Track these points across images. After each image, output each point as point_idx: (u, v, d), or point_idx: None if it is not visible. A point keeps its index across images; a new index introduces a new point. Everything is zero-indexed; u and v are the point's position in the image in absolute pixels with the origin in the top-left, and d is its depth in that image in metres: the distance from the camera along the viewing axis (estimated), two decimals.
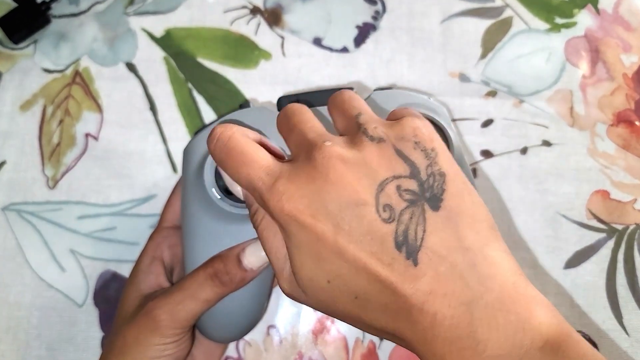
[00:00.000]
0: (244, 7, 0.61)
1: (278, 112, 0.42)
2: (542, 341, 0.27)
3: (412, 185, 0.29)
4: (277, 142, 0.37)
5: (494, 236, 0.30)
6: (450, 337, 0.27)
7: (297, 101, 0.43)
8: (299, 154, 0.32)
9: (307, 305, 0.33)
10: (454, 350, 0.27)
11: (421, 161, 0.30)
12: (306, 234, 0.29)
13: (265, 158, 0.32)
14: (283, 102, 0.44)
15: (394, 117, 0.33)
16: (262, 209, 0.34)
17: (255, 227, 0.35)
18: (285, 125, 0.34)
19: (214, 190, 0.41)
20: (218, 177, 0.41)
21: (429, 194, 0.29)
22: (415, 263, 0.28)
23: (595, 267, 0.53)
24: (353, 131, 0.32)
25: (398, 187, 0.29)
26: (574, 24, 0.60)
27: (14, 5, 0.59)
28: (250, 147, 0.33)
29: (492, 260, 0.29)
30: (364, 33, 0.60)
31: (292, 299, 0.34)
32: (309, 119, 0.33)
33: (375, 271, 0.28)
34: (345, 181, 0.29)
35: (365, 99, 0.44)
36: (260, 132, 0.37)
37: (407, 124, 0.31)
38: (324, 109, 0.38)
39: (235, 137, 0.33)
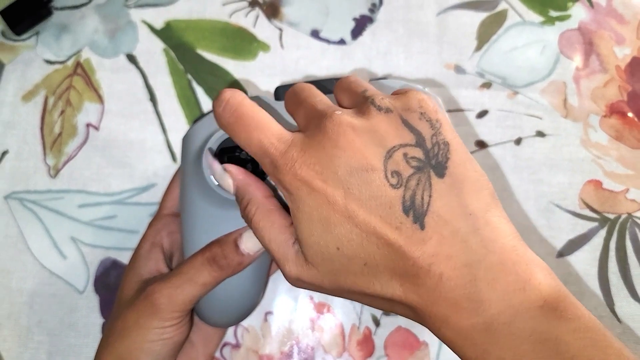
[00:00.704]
0: None
1: (274, 101, 0.43)
2: (542, 300, 0.28)
3: (418, 153, 0.31)
4: None
5: (495, 203, 0.31)
6: (454, 297, 0.29)
7: None
8: (309, 124, 0.33)
9: (313, 288, 0.34)
10: (458, 310, 0.29)
11: (427, 131, 0.31)
12: (317, 199, 0.31)
13: (277, 125, 0.33)
14: (280, 91, 0.44)
15: (398, 94, 0.34)
16: (254, 201, 0.35)
17: (249, 220, 0.36)
18: (294, 101, 0.35)
19: (212, 177, 0.41)
20: None
21: (434, 162, 0.31)
22: (422, 227, 0.29)
23: (588, 256, 0.53)
24: (361, 103, 0.33)
25: (405, 155, 0.30)
26: (568, 16, 0.61)
27: None
28: (261, 114, 0.34)
29: (494, 225, 0.30)
30: (361, 25, 0.61)
31: (299, 285, 0.34)
32: (317, 94, 0.35)
33: (385, 234, 0.30)
34: (355, 148, 0.30)
35: None
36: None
37: (412, 96, 0.33)
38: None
39: (246, 103, 0.34)
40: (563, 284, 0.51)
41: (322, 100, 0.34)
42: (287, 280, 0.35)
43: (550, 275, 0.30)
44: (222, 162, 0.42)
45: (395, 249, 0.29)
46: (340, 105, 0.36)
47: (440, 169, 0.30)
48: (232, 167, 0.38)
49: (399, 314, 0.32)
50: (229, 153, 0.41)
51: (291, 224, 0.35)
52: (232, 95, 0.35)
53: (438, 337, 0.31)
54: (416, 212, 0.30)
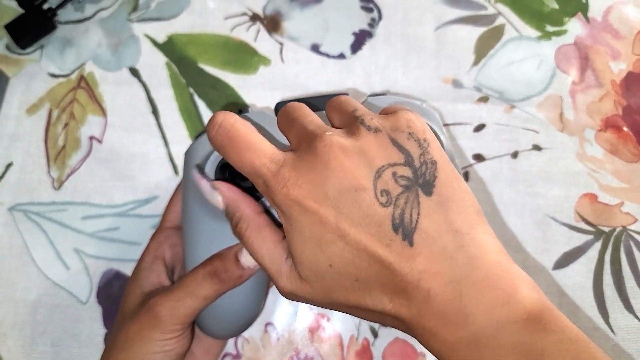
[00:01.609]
0: (244, 14, 0.62)
1: (276, 117, 0.43)
2: (525, 314, 0.29)
3: (406, 172, 0.31)
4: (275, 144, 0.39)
5: (481, 220, 0.32)
6: (442, 312, 0.30)
7: None
8: (300, 144, 0.34)
9: (307, 302, 0.35)
10: (446, 323, 0.30)
11: (415, 150, 0.32)
12: (309, 218, 0.31)
13: (269, 146, 0.34)
14: (280, 107, 0.45)
15: (387, 113, 0.35)
16: (244, 218, 0.36)
17: (241, 237, 0.37)
18: (286, 120, 0.36)
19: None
20: (218, 179, 0.42)
21: (422, 180, 0.31)
22: (411, 244, 0.30)
23: (583, 268, 0.54)
24: (350, 123, 0.34)
25: (394, 174, 0.31)
26: (565, 32, 0.62)
27: (21, 11, 0.60)
28: (254, 135, 0.35)
29: (479, 242, 0.31)
30: (360, 40, 0.62)
31: (293, 299, 0.35)
32: (308, 114, 0.35)
33: (375, 251, 0.30)
34: (346, 168, 0.31)
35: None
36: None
37: (401, 116, 0.33)
38: (320, 114, 0.40)
39: (239, 125, 0.35)
40: (558, 296, 0.52)
41: (313, 120, 0.35)
42: (281, 294, 0.36)
43: (534, 289, 0.30)
44: (223, 177, 0.42)
45: (386, 266, 0.30)
46: (332, 124, 0.37)
47: (428, 188, 0.31)
48: (221, 184, 0.38)
49: (390, 325, 0.33)
50: (230, 168, 0.42)
51: (283, 239, 0.36)
52: (224, 117, 0.35)
53: (427, 349, 0.32)
54: (405, 230, 0.30)
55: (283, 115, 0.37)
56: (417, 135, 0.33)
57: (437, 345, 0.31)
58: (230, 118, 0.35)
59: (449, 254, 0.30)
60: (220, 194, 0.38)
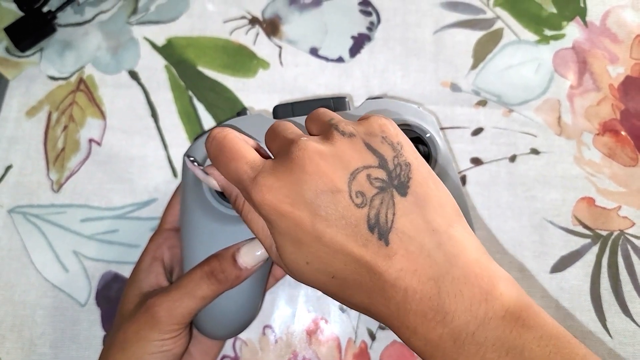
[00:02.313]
0: (243, 17, 0.63)
1: (274, 120, 0.44)
2: (504, 310, 0.29)
3: (381, 174, 0.32)
4: None
5: (458, 219, 0.33)
6: (420, 310, 0.30)
7: (292, 109, 0.45)
8: (279, 152, 0.35)
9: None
10: (425, 321, 0.30)
11: (388, 153, 0.33)
12: (286, 222, 0.32)
13: (252, 154, 0.35)
14: (279, 110, 0.45)
15: (362, 120, 0.36)
16: (240, 194, 0.37)
17: (239, 212, 0.38)
18: (271, 137, 0.37)
19: (211, 193, 0.43)
20: None
21: (397, 182, 0.32)
22: (387, 243, 0.31)
23: (580, 272, 0.54)
24: (326, 130, 0.35)
25: (368, 176, 0.32)
26: (563, 36, 0.62)
27: (21, 14, 0.61)
28: (240, 145, 0.36)
29: (457, 240, 0.31)
30: (359, 43, 0.62)
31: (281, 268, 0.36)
32: (290, 127, 0.37)
33: (351, 251, 0.31)
34: (321, 171, 0.32)
35: (358, 107, 0.46)
36: (255, 139, 0.39)
37: (374, 122, 0.34)
38: None
39: (229, 137, 0.36)
40: (555, 300, 0.52)
41: (293, 131, 0.36)
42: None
43: (513, 286, 0.31)
44: None
45: (363, 265, 0.31)
46: (310, 133, 0.38)
47: (403, 188, 0.32)
48: (213, 168, 0.39)
49: (370, 317, 0.34)
50: None
51: None
52: (218, 131, 0.37)
53: (408, 346, 0.32)
54: (380, 229, 0.31)
55: (268, 133, 0.38)
56: (391, 139, 0.34)
57: (418, 343, 0.31)
58: (223, 131, 0.37)
59: (426, 252, 0.31)
60: (214, 177, 0.38)
